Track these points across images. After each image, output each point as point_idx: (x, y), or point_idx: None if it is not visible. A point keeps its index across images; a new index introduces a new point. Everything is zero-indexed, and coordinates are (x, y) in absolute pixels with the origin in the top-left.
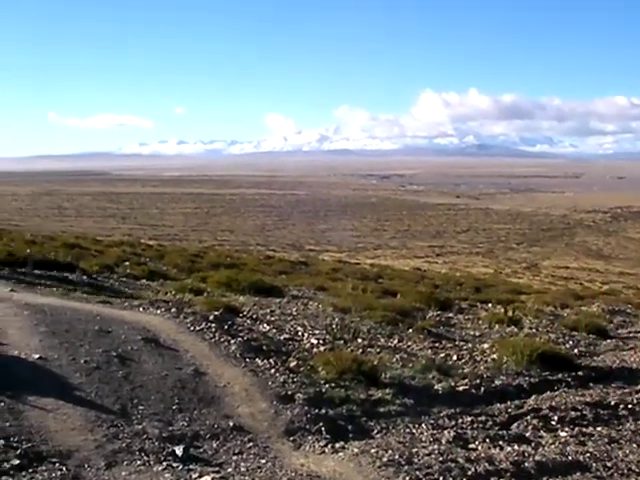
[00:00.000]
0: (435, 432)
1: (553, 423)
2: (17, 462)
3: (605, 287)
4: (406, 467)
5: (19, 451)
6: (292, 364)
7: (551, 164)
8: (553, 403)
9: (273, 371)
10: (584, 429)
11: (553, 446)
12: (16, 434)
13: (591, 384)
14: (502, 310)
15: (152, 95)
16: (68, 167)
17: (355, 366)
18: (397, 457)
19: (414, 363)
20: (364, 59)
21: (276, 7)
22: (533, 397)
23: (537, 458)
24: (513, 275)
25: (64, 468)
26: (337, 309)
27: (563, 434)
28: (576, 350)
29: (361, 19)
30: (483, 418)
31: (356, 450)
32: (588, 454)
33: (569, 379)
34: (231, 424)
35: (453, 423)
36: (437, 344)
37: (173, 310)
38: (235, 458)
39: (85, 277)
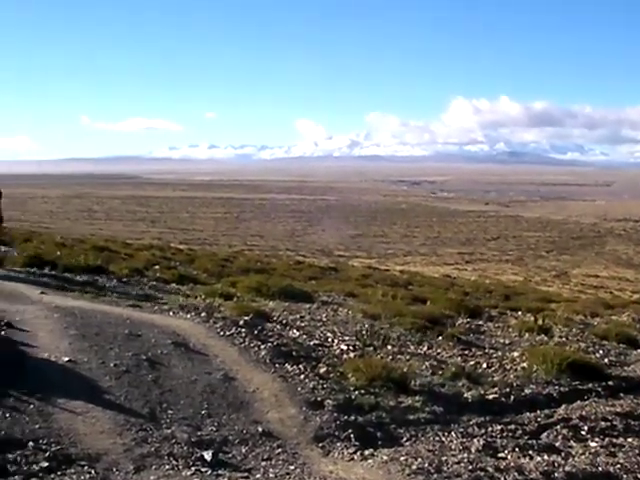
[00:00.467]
0: (464, 440)
1: (583, 433)
2: (46, 464)
3: (635, 296)
4: (435, 475)
5: (48, 453)
6: (322, 370)
7: (582, 172)
8: (583, 413)
9: (303, 377)
10: (614, 440)
11: (583, 456)
12: (45, 436)
13: (621, 394)
14: (532, 318)
15: (182, 99)
16: (99, 170)
17: (385, 373)
18: (426, 465)
19: (444, 371)
20: (395, 65)
21: (307, 12)
22: (563, 406)
23: (567, 469)
24: (543, 283)
25: (92, 471)
26: (367, 315)
27: (593, 444)
28: (606, 360)
29: (393, 25)
30: (513, 427)
31: (385, 457)
32: (619, 465)
33: (599, 389)
34: (260, 430)
35: (483, 432)
36: (467, 352)
37: (203, 314)
38: (264, 464)
39: (115, 280)
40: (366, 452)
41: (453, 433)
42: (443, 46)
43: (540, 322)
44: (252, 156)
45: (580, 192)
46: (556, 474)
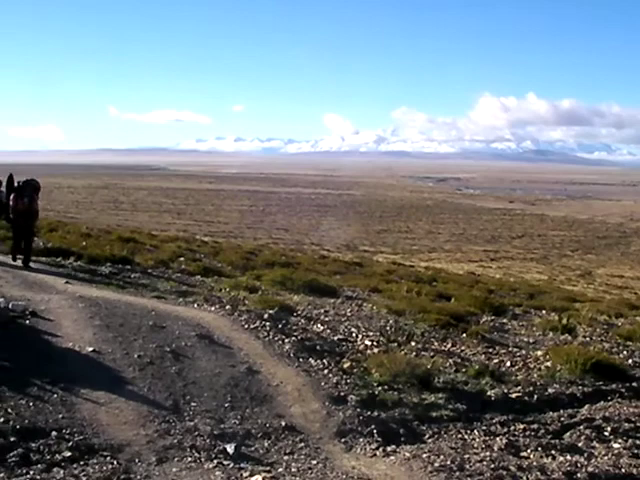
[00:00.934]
0: (487, 439)
1: (606, 434)
2: (69, 454)
3: None
4: (457, 473)
5: (71, 443)
6: (345, 365)
7: (608, 171)
8: (606, 413)
9: (326, 372)
10: (638, 441)
11: (606, 457)
12: (68, 426)
13: None
14: (556, 317)
15: (210, 92)
16: (126, 161)
17: (408, 369)
18: (449, 463)
19: (467, 368)
20: (423, 61)
21: (338, 7)
22: (586, 407)
23: (590, 469)
24: (567, 282)
25: (115, 462)
26: (391, 311)
27: (616, 445)
28: (630, 360)
29: (422, 21)
30: (535, 426)
31: (408, 454)
32: None
33: (623, 390)
34: (283, 424)
35: (505, 430)
36: (491, 350)
37: (227, 307)
38: (286, 458)
39: (140, 271)
40: (388, 448)
41: (476, 431)
42: (472, 43)
43: (564, 321)
44: (279, 149)
45: (606, 192)
46: (579, 475)
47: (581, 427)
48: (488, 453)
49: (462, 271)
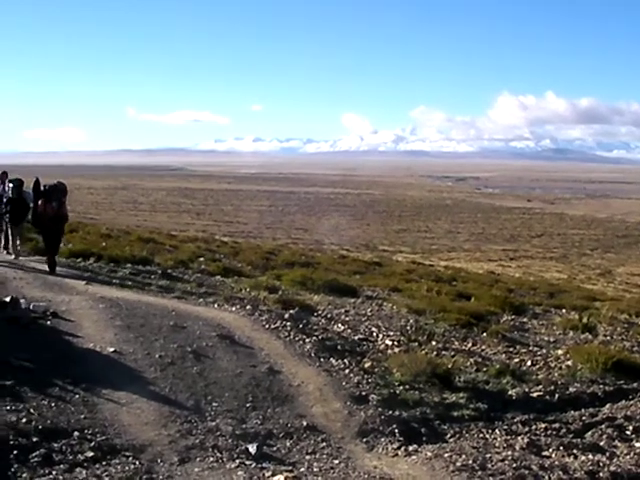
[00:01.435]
0: (509, 438)
1: (628, 433)
2: (91, 454)
3: None
4: (479, 472)
5: (93, 443)
6: (366, 365)
7: (628, 170)
8: (628, 412)
9: (347, 371)
10: None
11: (628, 457)
12: (90, 426)
13: None
14: (576, 316)
15: (229, 92)
16: (144, 162)
17: (429, 369)
18: (471, 462)
19: (488, 367)
20: (441, 60)
21: (355, 7)
22: (607, 406)
23: (612, 468)
24: (587, 281)
25: (137, 462)
26: (411, 311)
27: (638, 444)
28: None
29: (439, 21)
30: (557, 425)
31: (429, 454)
32: None
33: None
34: (304, 423)
35: (527, 429)
36: (511, 349)
37: (248, 307)
38: (308, 458)
39: (160, 272)
40: (410, 448)
41: (497, 430)
42: (490, 42)
43: (585, 320)
44: (297, 149)
45: (626, 190)
46: (601, 474)
47: (603, 426)
48: (510, 452)
49: (482, 270)
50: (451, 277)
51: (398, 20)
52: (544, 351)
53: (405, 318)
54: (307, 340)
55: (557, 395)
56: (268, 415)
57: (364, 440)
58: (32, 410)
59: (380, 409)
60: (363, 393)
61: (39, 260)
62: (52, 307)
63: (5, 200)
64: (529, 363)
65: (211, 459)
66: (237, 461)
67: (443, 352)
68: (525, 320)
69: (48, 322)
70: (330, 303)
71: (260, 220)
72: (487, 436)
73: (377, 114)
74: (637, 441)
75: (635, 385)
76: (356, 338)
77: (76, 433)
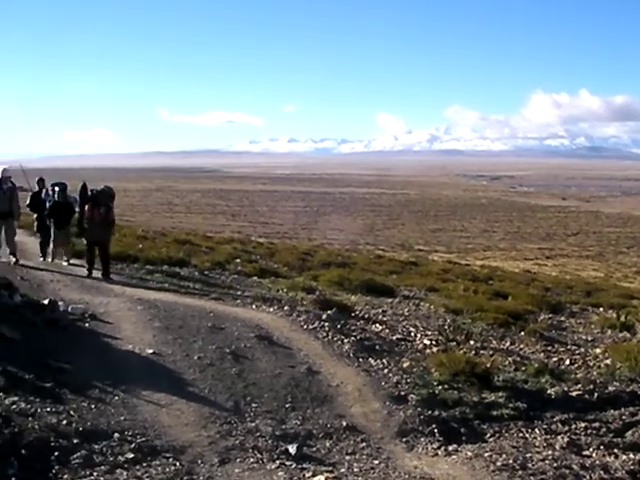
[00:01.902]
0: (548, 437)
1: None
2: (132, 456)
3: None
4: (520, 472)
5: (133, 445)
6: (405, 364)
7: None
8: None
9: (386, 371)
10: None
11: None
12: (130, 428)
13: None
14: (614, 315)
15: (262, 93)
16: (178, 164)
17: (468, 368)
18: (511, 462)
19: (527, 366)
20: (475, 59)
21: (389, 7)
22: None
23: None
24: (623, 279)
25: (178, 463)
26: (449, 310)
27: None
28: None
29: (473, 20)
30: (597, 424)
31: (469, 454)
32: None
33: None
34: (344, 424)
35: (566, 429)
36: (549, 348)
37: (286, 308)
38: (348, 458)
39: (197, 273)
40: (450, 448)
41: (537, 430)
42: (523, 41)
43: (622, 319)
44: (332, 150)
45: None
46: None
47: None
48: (550, 452)
49: (518, 269)
50: (487, 276)
51: (432, 20)
52: (582, 350)
53: (442, 318)
54: (345, 340)
55: (596, 394)
56: (307, 415)
57: (404, 440)
58: (72, 412)
59: (419, 409)
60: (402, 393)
61: (80, 264)
62: (90, 309)
63: (49, 205)
64: (567, 362)
65: (251, 460)
66: (277, 462)
67: (481, 351)
68: (562, 319)
69: (86, 324)
70: (367, 303)
71: (295, 221)
72: (527, 435)
73: (411, 114)
74: None
75: None
76: (394, 338)
77: (116, 434)
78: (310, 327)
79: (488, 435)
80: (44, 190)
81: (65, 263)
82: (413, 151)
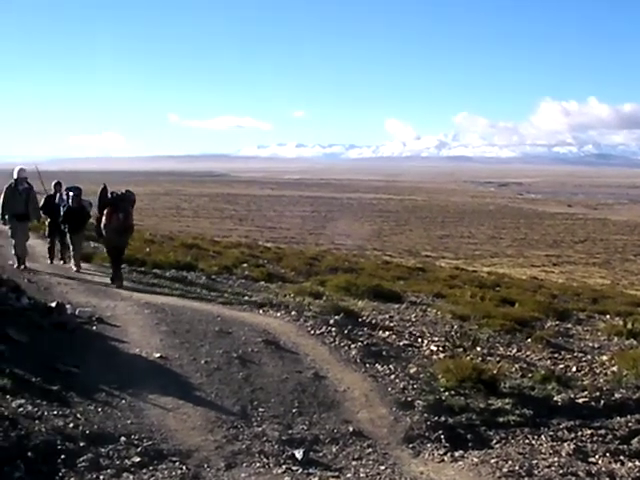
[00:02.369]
0: (555, 444)
1: None
2: (138, 459)
3: None
4: (526, 479)
5: (140, 449)
6: (412, 370)
7: None
8: None
9: (393, 377)
10: None
11: None
12: (137, 432)
13: None
14: (621, 322)
15: (271, 98)
16: (187, 168)
17: (475, 374)
18: (517, 468)
19: (533, 373)
20: (484, 66)
21: (397, 13)
22: None
23: None
24: (630, 287)
25: (184, 467)
26: (456, 316)
27: None
28: None
29: (482, 25)
30: (603, 432)
31: (476, 460)
32: None
33: None
34: (351, 429)
35: (573, 436)
36: (556, 355)
37: (293, 313)
38: (354, 463)
39: (204, 277)
40: (456, 454)
41: (543, 436)
42: (532, 48)
43: (629, 326)
44: (340, 155)
45: None
46: None
47: None
48: (556, 458)
49: (525, 276)
50: (494, 283)
51: (442, 26)
52: (589, 357)
53: (449, 324)
54: (352, 346)
55: (603, 401)
56: (314, 421)
57: (410, 446)
58: (79, 415)
59: (426, 415)
60: (409, 399)
61: (87, 268)
62: (97, 313)
63: (64, 209)
64: (574, 369)
65: (258, 465)
66: (284, 467)
67: (488, 358)
68: (569, 326)
69: (94, 327)
70: (374, 309)
71: (303, 226)
72: (533, 442)
73: (420, 120)
74: None
75: None
76: (401, 344)
77: (123, 438)
78: (317, 332)
79: (494, 441)
80: (58, 194)
81: (75, 268)
82: (421, 157)
